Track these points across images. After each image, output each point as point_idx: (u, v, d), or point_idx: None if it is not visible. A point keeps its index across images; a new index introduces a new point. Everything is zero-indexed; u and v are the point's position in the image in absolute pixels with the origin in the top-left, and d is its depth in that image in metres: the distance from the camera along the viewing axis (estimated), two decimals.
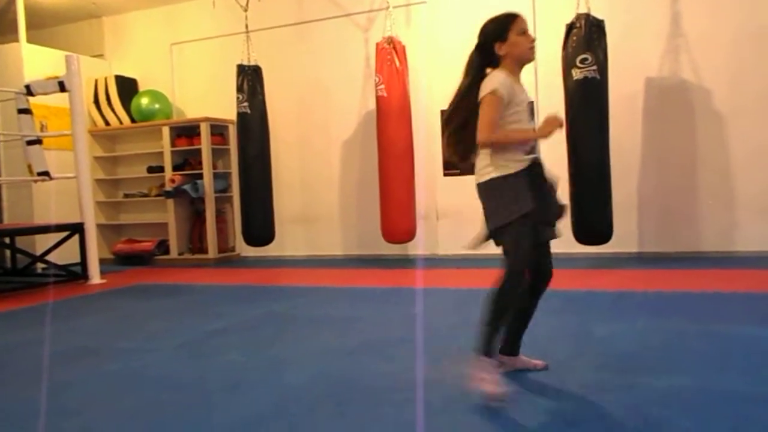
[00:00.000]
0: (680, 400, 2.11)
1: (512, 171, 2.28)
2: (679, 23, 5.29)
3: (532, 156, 2.33)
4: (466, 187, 6.19)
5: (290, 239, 6.80)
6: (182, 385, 2.58)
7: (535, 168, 2.31)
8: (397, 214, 5.61)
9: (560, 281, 4.44)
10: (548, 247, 2.40)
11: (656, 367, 2.47)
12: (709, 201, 5.12)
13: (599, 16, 4.81)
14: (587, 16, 4.78)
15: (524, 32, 2.39)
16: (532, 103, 2.39)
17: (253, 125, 5.99)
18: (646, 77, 5.40)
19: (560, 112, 4.99)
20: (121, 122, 7.24)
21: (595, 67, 4.72)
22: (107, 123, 7.29)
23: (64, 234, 5.74)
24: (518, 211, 2.23)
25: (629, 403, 2.11)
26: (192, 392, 2.48)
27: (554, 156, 5.45)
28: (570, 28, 4.83)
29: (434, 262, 5.91)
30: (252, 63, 6.03)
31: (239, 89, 5.98)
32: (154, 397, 2.45)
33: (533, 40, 2.39)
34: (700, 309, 3.45)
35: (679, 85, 5.32)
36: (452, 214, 6.02)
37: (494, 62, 2.39)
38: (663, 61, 5.38)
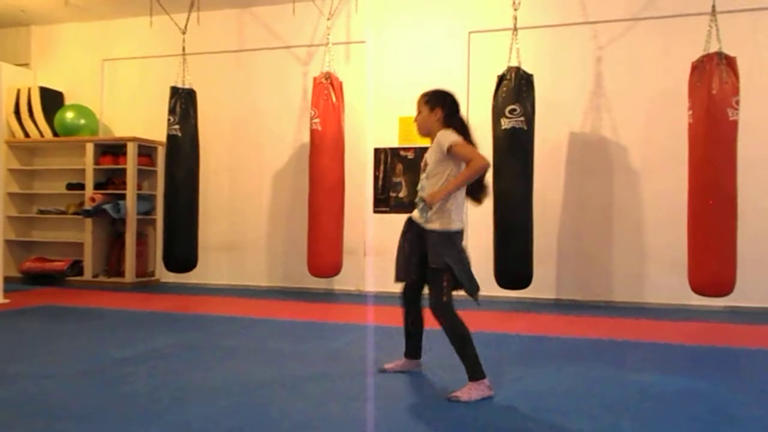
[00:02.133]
0: None
1: None
2: (601, 83, 5.62)
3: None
4: (394, 225, 6.28)
5: (214, 267, 6.63)
6: (79, 415, 2.43)
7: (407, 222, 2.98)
8: (325, 248, 5.59)
9: (478, 323, 4.53)
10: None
11: (561, 410, 2.54)
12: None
13: (529, 71, 5.04)
14: (518, 69, 5.00)
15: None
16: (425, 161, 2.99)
17: (182, 148, 5.87)
18: (570, 132, 5.68)
19: (488, 158, 5.16)
20: (42, 135, 6.93)
21: (522, 118, 4.92)
22: (27, 135, 6.96)
23: None
24: None
25: None
26: (89, 424, 2.34)
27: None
28: (501, 79, 5.04)
29: (359, 298, 5.90)
30: (187, 86, 5.94)
31: (171, 111, 5.87)
32: (46, 428, 2.30)
33: (414, 120, 3.05)
34: (608, 356, 3.59)
35: (600, 141, 5.62)
36: (380, 251, 6.05)
37: None
38: (585, 117, 5.68)
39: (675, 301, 5.29)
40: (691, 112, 4.59)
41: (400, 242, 2.98)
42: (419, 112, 3.02)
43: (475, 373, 2.69)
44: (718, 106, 4.41)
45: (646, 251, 5.49)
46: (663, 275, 5.37)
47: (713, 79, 4.42)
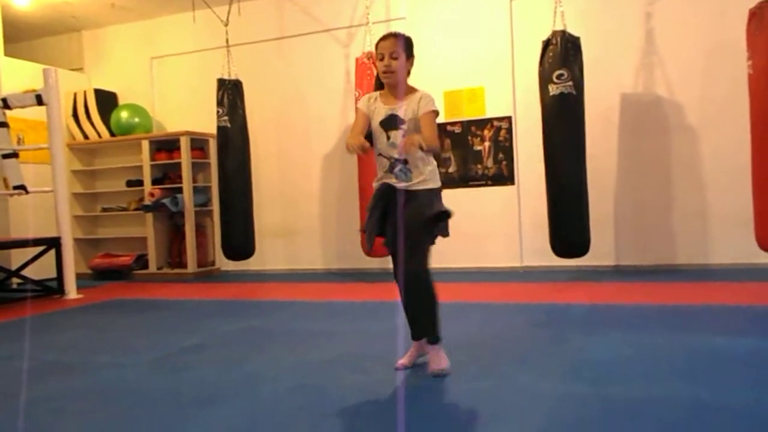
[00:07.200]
0: (649, 409, 2.13)
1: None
2: (652, 40, 5.41)
3: (385, 177, 2.65)
4: (444, 200, 6.27)
5: (270, 253, 6.78)
6: (156, 399, 2.55)
7: (382, 189, 2.65)
8: None
9: (538, 294, 4.49)
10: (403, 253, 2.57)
11: (628, 377, 2.50)
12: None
13: (575, 33, 4.90)
14: (563, 33, 4.87)
15: (381, 58, 2.62)
16: (392, 116, 2.60)
17: (233, 139, 5.99)
18: (621, 93, 5.50)
19: (537, 126, 5.07)
20: (100, 136, 7.19)
21: (570, 83, 4.80)
22: (86, 137, 7.24)
23: (41, 248, 5.67)
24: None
25: (601, 412, 2.13)
26: (166, 407, 2.45)
27: (531, 169, 5.55)
28: (546, 44, 4.91)
29: None
30: (232, 77, 6.04)
31: (219, 103, 5.98)
32: (127, 411, 2.42)
33: (386, 66, 2.59)
34: (673, 321, 3.50)
35: (654, 100, 5.43)
36: None
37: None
38: (638, 76, 5.48)
39: (742, 261, 5.09)
40: (750, 63, 4.35)
41: (380, 214, 2.65)
42: (395, 56, 2.57)
43: (437, 336, 2.63)
44: None
45: (709, 211, 5.29)
46: (728, 235, 5.17)
47: None
